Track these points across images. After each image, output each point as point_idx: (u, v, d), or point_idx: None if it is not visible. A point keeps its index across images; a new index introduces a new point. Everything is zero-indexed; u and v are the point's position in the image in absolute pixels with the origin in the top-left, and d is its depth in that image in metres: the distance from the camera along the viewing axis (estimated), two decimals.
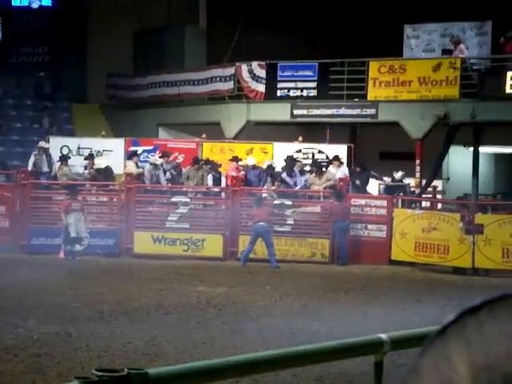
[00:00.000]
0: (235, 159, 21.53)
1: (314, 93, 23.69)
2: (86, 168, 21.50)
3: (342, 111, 23.36)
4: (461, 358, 1.29)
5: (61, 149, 22.32)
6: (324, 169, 21.52)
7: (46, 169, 21.51)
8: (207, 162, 21.52)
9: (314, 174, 20.96)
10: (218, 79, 25.34)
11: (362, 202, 20.35)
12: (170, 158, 21.69)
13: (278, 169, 21.37)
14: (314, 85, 23.72)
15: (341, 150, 22.00)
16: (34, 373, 8.38)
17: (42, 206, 20.50)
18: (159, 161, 21.34)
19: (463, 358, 1.28)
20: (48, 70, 28.90)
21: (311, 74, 23.81)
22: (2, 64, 28.73)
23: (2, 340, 9.88)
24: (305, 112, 23.74)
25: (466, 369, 1.28)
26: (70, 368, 8.50)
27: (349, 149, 22.34)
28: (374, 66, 22.92)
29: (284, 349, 3.37)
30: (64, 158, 21.54)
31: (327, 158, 22.05)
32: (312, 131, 24.01)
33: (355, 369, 6.93)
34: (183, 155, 22.33)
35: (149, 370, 2.65)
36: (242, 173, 21.13)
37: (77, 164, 21.84)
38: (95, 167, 21.26)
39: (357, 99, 23.37)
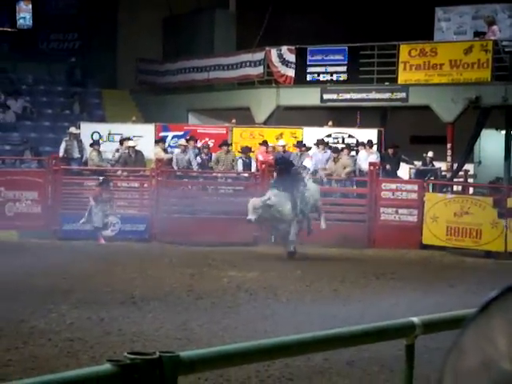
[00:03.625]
0: (264, 143, 21.52)
1: (344, 77, 23.59)
2: (117, 150, 21.55)
3: (373, 95, 23.23)
4: (501, 334, 1.28)
5: (91, 134, 22.43)
6: (354, 153, 21.46)
7: (77, 155, 21.61)
8: (242, 148, 21.54)
9: (332, 159, 20.90)
10: (247, 64, 25.29)
11: (393, 186, 20.26)
12: (200, 143, 21.70)
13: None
14: (344, 69, 23.61)
15: (371, 135, 21.90)
16: (67, 357, 8.45)
17: (74, 192, 20.62)
18: (185, 142, 21.36)
19: (503, 335, 1.28)
20: (78, 56, 29.01)
21: (341, 58, 23.70)
22: (32, 51, 28.88)
23: (36, 324, 9.97)
24: (335, 96, 23.64)
25: (505, 345, 1.27)
26: (103, 352, 8.57)
27: (379, 133, 22.23)
28: (404, 50, 22.76)
29: (315, 332, 3.36)
30: (95, 144, 21.65)
31: (357, 142, 21.96)
32: (342, 115, 23.91)
33: (386, 352, 6.92)
34: (213, 140, 22.35)
35: (180, 353, 2.66)
36: (271, 157, 21.11)
37: (107, 150, 21.93)
38: (128, 145, 21.30)
39: (387, 83, 23.23)
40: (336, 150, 21.03)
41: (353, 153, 21.46)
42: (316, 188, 18.67)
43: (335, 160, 20.72)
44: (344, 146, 21.56)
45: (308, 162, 20.88)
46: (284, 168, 18.07)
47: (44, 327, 9.86)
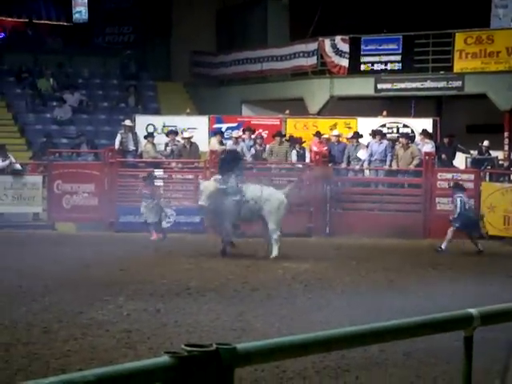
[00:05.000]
0: (318, 134, 21.46)
1: (398, 66, 23.43)
2: (167, 145, 21.66)
3: (428, 84, 23.03)
4: None
5: (146, 127, 22.59)
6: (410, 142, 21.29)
7: (132, 147, 21.78)
8: (291, 138, 21.50)
9: (400, 144, 20.66)
10: (301, 55, 25.25)
11: (449, 176, 20.05)
12: (254, 135, 21.72)
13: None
14: (398, 58, 23.45)
15: (426, 124, 21.71)
16: (125, 348, 8.53)
17: (130, 184, 20.79)
18: (238, 134, 21.38)
19: None
20: (133, 50, 29.24)
21: (395, 47, 23.53)
22: (88, 44, 29.20)
23: (94, 316, 10.09)
24: (389, 86, 23.49)
25: None
26: (160, 343, 8.63)
27: (434, 122, 22.01)
28: (460, 38, 22.51)
29: (371, 324, 3.35)
30: (149, 136, 21.79)
31: (412, 132, 21.78)
32: (396, 105, 23.74)
33: (443, 344, 6.86)
34: (267, 131, 22.35)
35: (237, 345, 2.67)
36: (325, 148, 21.04)
37: (162, 142, 22.06)
38: (183, 137, 21.39)
39: (442, 72, 23.01)
40: (408, 137, 20.81)
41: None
42: (273, 196, 16.21)
43: (404, 148, 20.47)
44: (400, 135, 21.37)
45: (363, 154, 20.76)
46: (230, 162, 16.45)
47: (102, 318, 9.97)
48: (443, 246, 16.90)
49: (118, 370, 2.41)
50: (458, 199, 17.06)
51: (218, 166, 16.97)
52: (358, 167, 20.92)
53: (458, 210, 16.96)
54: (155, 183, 19.68)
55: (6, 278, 12.55)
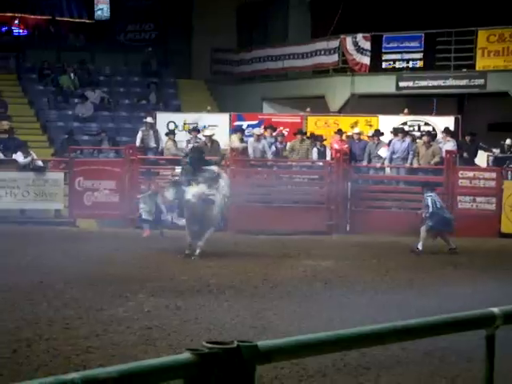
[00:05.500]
0: (339, 132, 21.43)
1: (420, 64, 23.36)
2: (189, 142, 21.69)
3: (449, 82, 22.94)
4: None
5: (167, 124, 22.64)
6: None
7: (153, 144, 21.85)
8: (312, 136, 21.48)
9: (422, 142, 20.59)
10: (322, 52, 25.22)
11: (470, 174, 19.97)
12: (275, 132, 21.71)
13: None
14: (420, 56, 23.38)
15: (448, 122, 21.62)
16: (145, 344, 8.56)
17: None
18: (260, 131, 21.36)
19: None
20: (154, 47, 29.31)
21: (417, 44, 23.46)
22: (110, 42, 29.30)
23: (115, 312, 10.12)
24: (411, 84, 23.42)
25: None
26: (180, 340, 8.66)
27: (456, 120, 21.92)
28: (482, 35, 22.40)
29: (392, 322, 3.34)
30: (171, 133, 21.85)
31: (433, 130, 21.70)
32: (418, 103, 23.66)
33: (464, 343, 6.83)
34: (288, 129, 22.34)
35: (258, 342, 2.67)
36: (346, 146, 21.01)
37: (183, 139, 22.10)
38: (204, 134, 21.41)
39: (464, 69, 22.90)
40: (430, 135, 20.73)
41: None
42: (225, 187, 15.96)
43: (426, 146, 20.39)
44: (422, 133, 21.29)
45: (383, 152, 20.71)
46: (197, 161, 15.95)
47: (123, 315, 10.01)
48: (419, 247, 16.53)
49: (139, 367, 2.42)
50: (429, 198, 16.78)
51: (188, 165, 16.04)
52: (378, 165, 20.88)
53: (431, 209, 16.72)
54: (153, 179, 19.29)
55: (28, 274, 12.63)
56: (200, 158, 16.25)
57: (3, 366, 7.58)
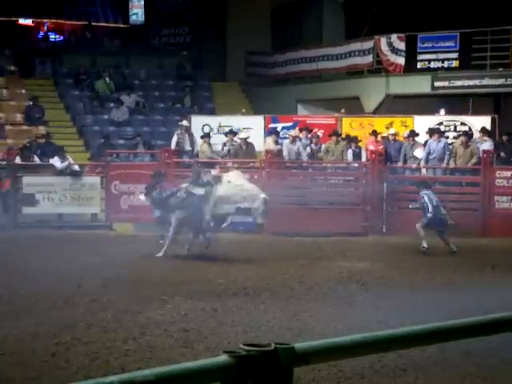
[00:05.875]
0: (374, 133, 21.36)
1: (455, 64, 23.20)
2: (225, 144, 21.73)
3: (485, 81, 22.76)
4: None
5: (202, 127, 22.70)
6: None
7: (188, 147, 21.90)
8: (347, 137, 21.43)
9: (460, 142, 20.43)
10: (356, 53, 25.15)
11: (508, 174, 19.78)
12: (310, 134, 21.68)
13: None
14: (455, 55, 23.23)
15: (484, 122, 21.44)
16: (182, 347, 8.59)
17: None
18: (295, 133, 21.34)
19: None
20: (189, 50, 29.41)
21: (453, 44, 23.31)
22: (144, 46, 29.45)
23: (152, 315, 10.17)
24: (446, 84, 23.27)
25: None
26: (217, 343, 8.67)
27: (493, 120, 21.74)
28: None
29: (430, 324, 3.32)
30: (205, 136, 21.90)
31: (470, 130, 21.54)
32: (454, 103, 23.50)
33: (504, 344, 6.79)
34: (322, 131, 22.30)
35: (295, 344, 2.67)
36: (382, 147, 20.92)
37: (218, 142, 22.15)
38: (239, 137, 21.42)
39: (501, 69, 22.70)
40: (468, 135, 20.56)
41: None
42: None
43: (464, 146, 20.24)
44: (460, 133, 21.13)
45: (419, 152, 20.59)
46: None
47: (160, 318, 10.05)
48: (425, 245, 16.37)
49: (177, 370, 2.43)
50: (425, 196, 16.61)
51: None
52: (414, 166, 20.76)
53: (430, 206, 16.54)
54: (163, 181, 18.02)
55: (66, 277, 12.73)
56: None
57: (43, 370, 7.65)
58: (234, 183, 15.67)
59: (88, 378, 6.89)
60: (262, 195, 15.51)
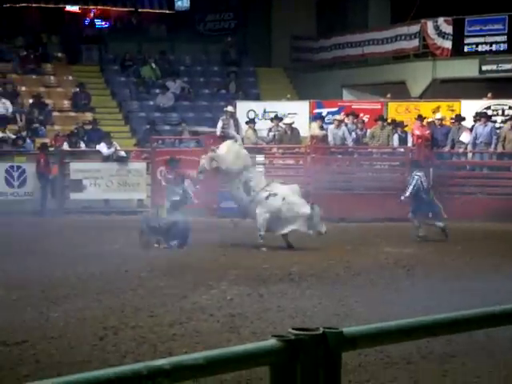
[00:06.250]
0: (420, 118, 21.19)
1: (504, 47, 22.93)
2: (270, 130, 21.72)
3: None
4: None
5: (247, 113, 22.72)
6: None
7: (233, 133, 21.93)
8: (393, 122, 21.28)
9: (509, 126, 20.18)
10: (402, 37, 24.95)
11: None
12: (355, 119, 21.57)
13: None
14: (504, 38, 22.94)
15: None
16: (229, 332, 8.63)
17: None
18: (341, 117, 21.25)
19: None
20: (234, 36, 29.40)
21: (501, 27, 23.02)
22: (190, 32, 29.50)
23: (198, 300, 10.23)
24: (494, 67, 23.00)
25: None
26: (263, 328, 8.70)
27: None
28: None
29: (477, 309, 3.31)
30: (251, 122, 21.91)
31: None
32: (502, 87, 23.20)
33: None
34: (368, 116, 22.19)
35: (343, 328, 2.68)
36: (428, 132, 20.75)
37: (263, 128, 22.15)
38: (284, 122, 21.41)
39: None
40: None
41: None
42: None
43: None
44: (508, 117, 20.87)
45: (466, 137, 20.39)
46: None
47: (206, 303, 10.11)
48: (420, 233, 16.00)
49: (226, 353, 2.45)
50: (416, 177, 16.06)
51: None
52: (461, 150, 20.57)
53: (410, 189, 15.99)
54: (179, 167, 17.87)
55: (113, 262, 12.85)
56: None
57: (91, 354, 7.74)
58: (288, 200, 15.33)
59: (136, 361, 6.96)
60: (307, 211, 15.09)
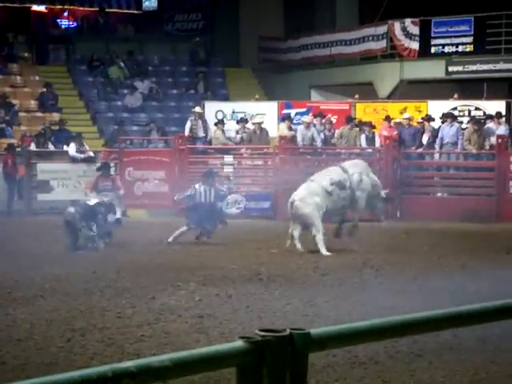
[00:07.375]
0: (388, 118, 21.30)
1: (470, 48, 23.09)
2: (237, 132, 21.75)
3: (500, 66, 22.65)
4: None
5: (216, 113, 22.70)
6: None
7: (202, 134, 21.93)
8: (360, 122, 21.36)
9: (471, 129, 20.35)
10: (370, 38, 25.06)
11: None
12: (323, 120, 21.63)
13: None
14: (470, 40, 23.11)
15: (499, 107, 21.34)
16: (197, 333, 8.61)
17: (200, 171, 20.89)
18: (310, 119, 21.31)
19: None
20: (202, 36, 29.35)
21: (467, 28, 23.19)
22: (158, 32, 29.42)
23: (167, 301, 10.19)
24: (460, 68, 23.17)
25: None
26: (232, 328, 8.69)
27: (507, 105, 21.64)
28: None
29: (445, 309, 3.32)
30: (219, 123, 21.89)
31: (484, 114, 21.46)
32: (468, 88, 23.40)
33: None
34: (336, 116, 22.26)
35: (311, 330, 2.67)
36: (396, 132, 20.86)
37: (231, 128, 22.15)
38: (254, 122, 21.43)
39: None
40: (478, 123, 20.44)
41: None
42: None
43: (476, 132, 20.14)
44: (470, 118, 21.08)
45: (424, 138, 20.56)
46: None
47: (174, 304, 10.07)
48: (170, 239, 15.45)
49: (193, 355, 2.44)
50: (196, 188, 15.66)
51: None
52: (419, 150, 20.68)
53: (185, 194, 15.82)
54: (112, 172, 17.92)
55: (80, 264, 12.78)
56: None
57: (58, 356, 7.69)
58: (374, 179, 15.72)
59: (103, 363, 6.93)
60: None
